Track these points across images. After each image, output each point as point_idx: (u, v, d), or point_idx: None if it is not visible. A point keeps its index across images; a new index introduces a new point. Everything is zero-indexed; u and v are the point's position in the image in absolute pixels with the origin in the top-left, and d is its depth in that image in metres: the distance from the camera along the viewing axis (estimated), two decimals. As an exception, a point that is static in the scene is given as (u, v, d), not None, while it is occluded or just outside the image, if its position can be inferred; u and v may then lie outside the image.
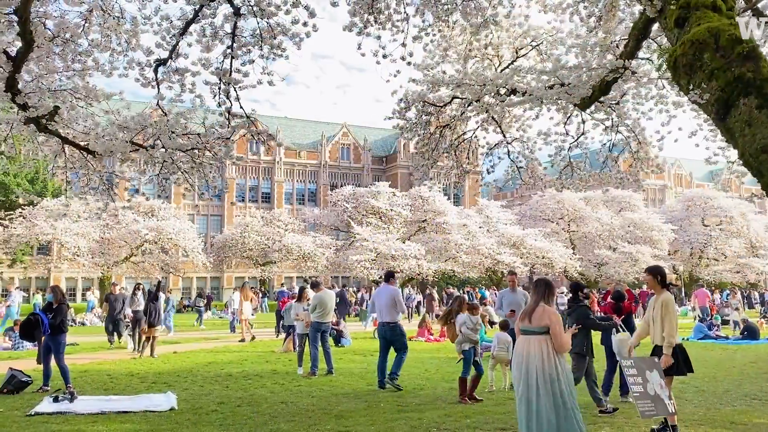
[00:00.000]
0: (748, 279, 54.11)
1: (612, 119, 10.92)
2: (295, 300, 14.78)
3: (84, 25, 7.72)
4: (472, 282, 51.29)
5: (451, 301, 10.38)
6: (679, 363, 6.85)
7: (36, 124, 7.28)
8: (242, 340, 19.53)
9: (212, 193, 9.43)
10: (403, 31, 9.43)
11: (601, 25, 9.65)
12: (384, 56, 9.40)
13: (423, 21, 9.80)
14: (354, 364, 14.22)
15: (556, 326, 5.78)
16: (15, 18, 6.94)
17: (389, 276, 11.69)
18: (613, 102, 10.46)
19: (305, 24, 7.30)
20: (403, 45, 9.53)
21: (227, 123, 8.45)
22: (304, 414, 8.84)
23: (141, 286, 17.54)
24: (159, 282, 17.21)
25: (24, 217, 38.58)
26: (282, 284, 33.59)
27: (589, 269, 49.67)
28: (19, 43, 7.30)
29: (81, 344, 18.61)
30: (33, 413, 8.70)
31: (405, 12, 9.35)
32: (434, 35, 10.32)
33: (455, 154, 12.07)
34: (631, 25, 9.04)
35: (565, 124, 11.16)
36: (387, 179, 58.94)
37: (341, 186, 55.27)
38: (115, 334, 18.13)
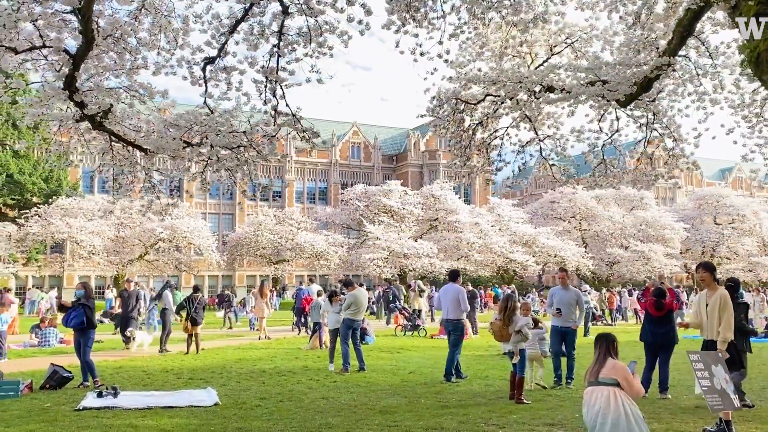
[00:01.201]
0: (760, 277, 53.99)
1: (647, 116, 10.92)
2: (324, 298, 14.86)
3: (135, 23, 7.78)
4: (483, 281, 51.32)
5: (503, 301, 10.30)
6: (733, 359, 6.89)
7: (91, 122, 7.36)
8: (268, 338, 19.63)
9: (260, 191, 9.50)
10: (439, 28, 9.46)
11: (640, 22, 9.67)
12: (421, 54, 9.45)
13: (459, 19, 9.83)
14: (383, 361, 14.28)
15: (625, 378, 5.77)
16: (70, 17, 7.02)
17: (455, 275, 11.96)
18: (650, 99, 10.45)
19: (360, 22, 7.35)
20: (440, 43, 9.58)
21: (273, 121, 8.52)
22: (348, 409, 8.91)
23: (171, 286, 17.67)
24: (195, 286, 17.15)
25: (39, 216, 38.77)
26: (301, 282, 33.54)
27: (601, 268, 49.62)
28: (71, 41, 7.40)
29: (105, 341, 18.71)
30: (81, 408, 8.80)
31: (442, 10, 9.38)
32: (470, 33, 10.35)
33: (487, 152, 12.08)
34: (673, 22, 9.09)
35: (599, 121, 11.17)
36: (397, 178, 58.99)
37: (351, 185, 55.35)
38: (128, 333, 16.82)
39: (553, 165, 12.05)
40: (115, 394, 9.51)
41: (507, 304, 10.30)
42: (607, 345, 6.12)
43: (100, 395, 9.48)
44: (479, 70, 10.78)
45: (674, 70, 9.14)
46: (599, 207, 51.79)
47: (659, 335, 9.58)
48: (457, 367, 11.65)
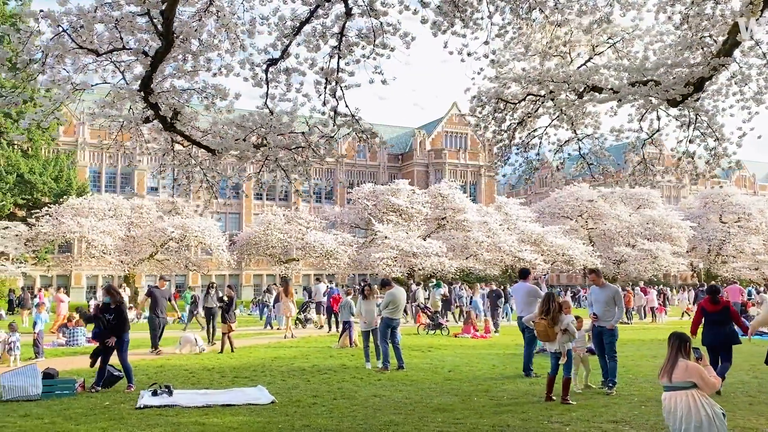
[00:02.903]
0: (765, 276, 54.16)
1: (689, 116, 10.99)
2: (352, 297, 14.94)
3: (199, 24, 7.84)
4: (489, 279, 51.37)
5: (544, 300, 9.96)
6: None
7: (163, 123, 7.43)
8: (293, 336, 19.71)
9: (313, 190, 9.57)
10: (483, 29, 9.53)
11: (688, 23, 9.74)
12: (468, 54, 9.57)
13: (503, 19, 9.92)
14: (418, 360, 14.35)
15: (701, 377, 5.94)
16: (139, 19, 7.08)
17: (525, 274, 12.20)
18: (693, 99, 10.52)
19: (434, 23, 7.44)
20: (486, 43, 9.69)
21: (333, 121, 8.60)
22: (405, 407, 8.99)
23: (215, 285, 17.86)
24: (229, 285, 17.39)
25: (50, 215, 38.75)
26: (331, 281, 33.66)
27: (609, 266, 49.73)
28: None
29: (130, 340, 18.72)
30: (142, 406, 8.86)
31: (488, 10, 9.46)
32: (514, 33, 10.43)
33: (525, 151, 12.14)
34: (723, 21, 9.20)
35: (640, 120, 11.24)
36: (403, 177, 58.92)
37: (358, 184, 55.43)
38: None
39: (591, 164, 12.11)
40: (170, 393, 9.58)
41: (549, 304, 9.86)
42: (679, 345, 6.21)
43: (154, 393, 9.56)
44: (523, 69, 10.86)
45: (726, 70, 9.25)
46: (606, 205, 51.95)
47: (721, 335, 9.66)
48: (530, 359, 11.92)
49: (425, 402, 9.36)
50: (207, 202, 9.14)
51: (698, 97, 10.41)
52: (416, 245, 43.55)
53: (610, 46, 11.34)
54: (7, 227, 37.91)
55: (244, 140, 7.80)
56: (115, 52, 6.82)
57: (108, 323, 10.86)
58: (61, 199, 40.34)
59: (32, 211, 39.68)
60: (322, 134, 8.77)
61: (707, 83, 10.09)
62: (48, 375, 9.92)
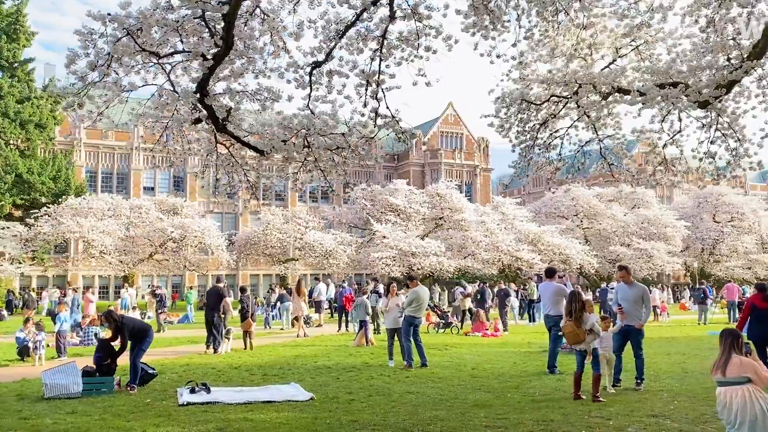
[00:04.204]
0: (757, 275, 54.75)
1: (711, 117, 11.19)
2: (382, 296, 15.10)
3: (247, 27, 7.97)
4: (485, 279, 51.61)
5: (567, 300, 9.96)
6: None
7: (216, 124, 7.56)
8: (305, 335, 19.82)
9: (346, 191, 9.73)
10: (509, 31, 9.71)
11: (714, 25, 9.96)
12: (498, 56, 9.75)
13: (529, 21, 10.11)
14: (437, 358, 14.47)
15: (756, 372, 6.12)
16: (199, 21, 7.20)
17: (551, 273, 12.38)
18: (717, 101, 10.72)
19: (485, 27, 7.60)
20: (514, 45, 9.89)
21: (373, 122, 8.76)
22: (443, 403, 9.16)
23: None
24: (243, 287, 17.53)
25: (49, 215, 38.61)
26: (344, 281, 33.71)
27: (604, 266, 50.14)
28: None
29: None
30: (185, 403, 8.97)
31: (517, 13, 9.66)
32: (540, 35, 10.62)
33: (546, 151, 12.32)
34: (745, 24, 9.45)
35: (662, 121, 11.43)
36: (399, 177, 59.17)
37: (354, 184, 55.53)
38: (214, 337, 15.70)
39: (613, 164, 12.31)
40: (208, 390, 9.70)
41: (572, 305, 9.66)
42: (732, 340, 6.40)
43: (192, 391, 9.67)
44: (549, 71, 11.06)
45: (756, 72, 9.49)
46: (601, 205, 52.41)
47: (766, 331, 9.91)
48: (555, 357, 12.11)
49: (461, 398, 9.53)
50: (247, 202, 9.27)
51: (721, 98, 10.65)
52: (415, 245, 43.73)
53: (633, 49, 11.56)
54: (5, 227, 37.75)
55: (299, 142, 7.95)
56: (172, 55, 6.93)
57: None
58: (59, 199, 40.22)
59: (31, 211, 39.53)
60: (362, 135, 8.93)
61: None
62: (87, 373, 10.01)
